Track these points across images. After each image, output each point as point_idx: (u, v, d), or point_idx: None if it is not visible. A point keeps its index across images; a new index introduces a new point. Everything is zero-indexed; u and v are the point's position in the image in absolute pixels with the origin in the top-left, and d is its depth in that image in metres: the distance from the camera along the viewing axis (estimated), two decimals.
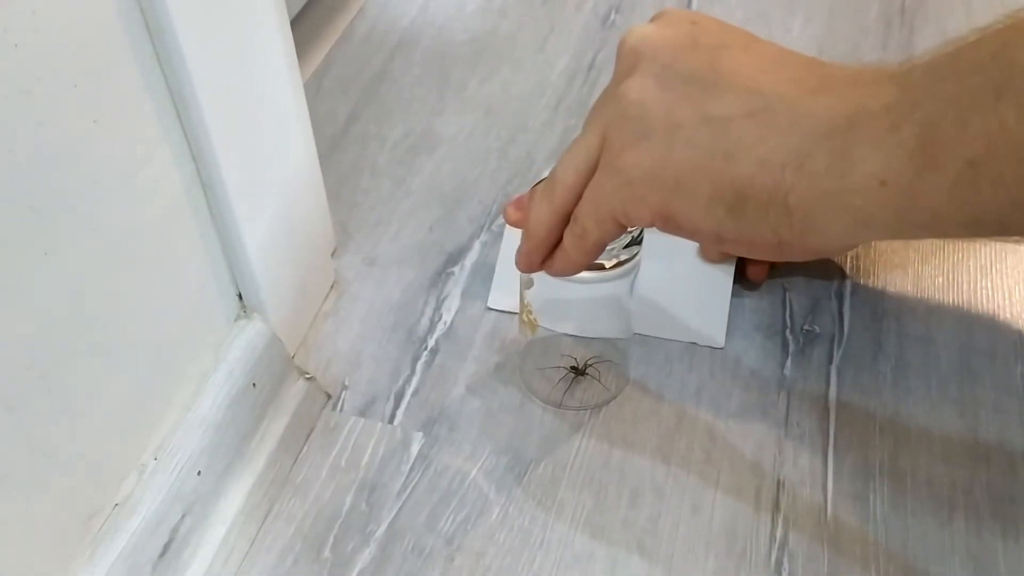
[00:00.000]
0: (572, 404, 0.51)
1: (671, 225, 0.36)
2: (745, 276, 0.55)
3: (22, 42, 0.30)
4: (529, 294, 0.48)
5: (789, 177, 0.32)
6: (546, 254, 0.41)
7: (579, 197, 0.39)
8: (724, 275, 0.56)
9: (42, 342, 0.34)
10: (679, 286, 0.55)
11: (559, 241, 0.41)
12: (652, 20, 0.39)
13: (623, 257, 0.44)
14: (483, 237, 0.60)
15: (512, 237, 0.56)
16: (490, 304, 0.56)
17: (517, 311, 0.51)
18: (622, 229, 0.39)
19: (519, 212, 0.42)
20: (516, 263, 0.44)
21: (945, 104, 0.29)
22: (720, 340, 0.53)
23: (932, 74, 0.30)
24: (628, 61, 0.36)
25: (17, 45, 0.30)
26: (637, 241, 0.44)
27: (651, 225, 0.37)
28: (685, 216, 0.35)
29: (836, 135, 0.31)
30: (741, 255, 0.54)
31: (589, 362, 0.51)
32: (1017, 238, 0.53)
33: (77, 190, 0.34)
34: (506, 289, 0.55)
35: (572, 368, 0.51)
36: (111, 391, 0.39)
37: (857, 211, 0.31)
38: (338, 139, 0.67)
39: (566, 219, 0.40)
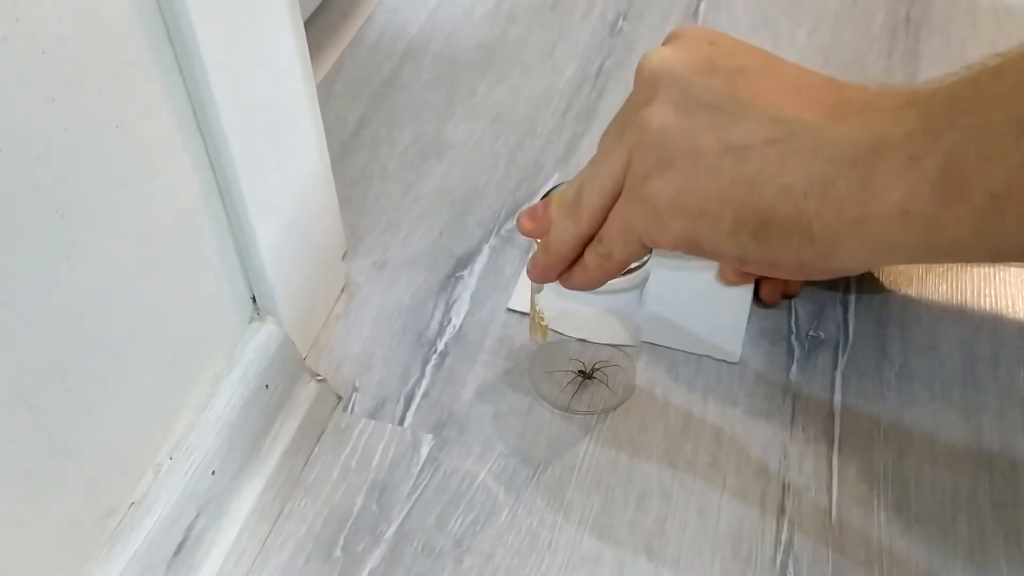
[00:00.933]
0: (580, 408, 0.52)
1: (695, 249, 0.37)
2: (758, 296, 0.56)
3: (49, 49, 0.31)
4: (540, 300, 0.49)
5: (812, 205, 0.32)
6: (564, 270, 0.42)
7: (603, 220, 0.39)
8: (743, 294, 0.56)
9: (63, 343, 0.35)
10: (699, 301, 0.56)
11: (578, 258, 0.41)
12: (668, 41, 0.39)
13: (634, 266, 0.45)
14: (492, 242, 0.61)
15: None
16: (511, 306, 0.56)
17: (525, 311, 0.52)
18: (646, 251, 0.40)
19: (533, 223, 0.42)
20: (528, 273, 0.44)
21: (967, 137, 0.29)
22: (736, 355, 0.54)
23: (953, 104, 0.30)
24: (648, 87, 0.36)
25: (44, 52, 0.31)
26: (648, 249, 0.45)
27: (676, 249, 0.38)
28: (709, 242, 0.35)
29: (858, 163, 0.32)
30: (762, 275, 0.55)
31: (596, 366, 0.52)
32: None
33: (100, 194, 0.35)
34: (528, 293, 0.56)
35: (580, 372, 0.52)
36: (128, 391, 0.39)
37: (880, 238, 0.31)
38: (348, 144, 0.68)
39: (589, 240, 0.40)
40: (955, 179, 0.29)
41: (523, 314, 0.56)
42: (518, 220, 0.43)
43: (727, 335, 0.55)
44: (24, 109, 0.31)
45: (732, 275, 0.56)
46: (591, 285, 0.42)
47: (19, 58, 0.30)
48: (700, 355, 0.54)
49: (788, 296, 0.57)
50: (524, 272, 0.57)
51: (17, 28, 0.30)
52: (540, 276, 0.43)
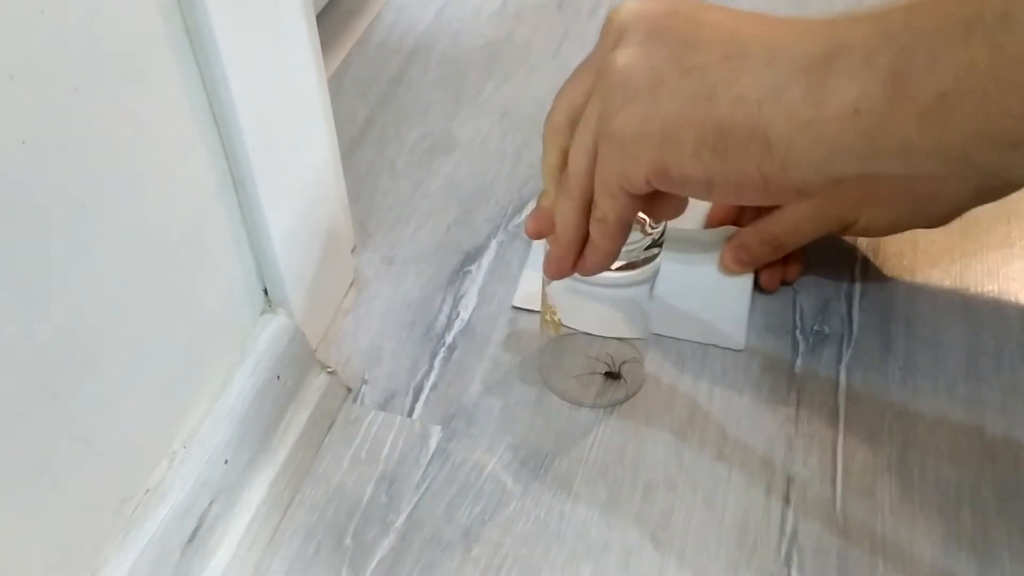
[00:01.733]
0: (588, 401, 0.52)
1: (665, 180, 0.37)
2: (758, 284, 0.57)
3: (72, 41, 0.32)
4: (552, 294, 0.49)
5: (767, 111, 0.33)
6: (577, 256, 0.42)
7: (592, 178, 0.39)
8: (744, 282, 0.57)
9: (84, 333, 0.35)
10: (701, 291, 0.57)
11: (586, 240, 0.42)
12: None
13: (643, 257, 0.46)
14: (500, 237, 0.62)
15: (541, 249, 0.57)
16: (515, 303, 0.57)
17: (540, 311, 0.52)
18: (634, 200, 0.40)
19: (537, 222, 0.43)
20: (545, 272, 0.44)
21: (918, 38, 0.30)
22: (740, 342, 0.55)
23: (909, 12, 0.31)
24: (615, 34, 0.37)
25: (67, 44, 0.31)
26: (658, 243, 0.46)
27: (648, 186, 0.38)
28: (676, 166, 0.36)
29: (813, 68, 0.32)
30: (731, 203, 0.56)
31: (622, 366, 0.52)
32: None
33: (122, 187, 0.36)
34: (532, 288, 0.56)
35: (607, 373, 0.52)
36: (145, 381, 0.40)
37: (833, 140, 0.32)
38: (357, 141, 0.68)
39: (589, 208, 0.41)
40: (904, 78, 0.30)
41: (528, 311, 0.57)
42: (524, 227, 0.44)
43: (731, 323, 0.55)
44: (49, 99, 0.31)
45: (733, 264, 0.57)
46: (603, 261, 0.42)
47: (44, 49, 0.31)
48: (706, 344, 0.55)
49: (786, 283, 0.58)
50: (527, 270, 0.58)
51: (42, 20, 0.30)
52: (557, 270, 0.44)
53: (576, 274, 0.44)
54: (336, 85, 0.73)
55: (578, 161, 0.39)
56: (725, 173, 0.36)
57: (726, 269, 0.57)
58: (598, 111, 0.37)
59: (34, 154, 0.31)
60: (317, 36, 0.48)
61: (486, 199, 0.64)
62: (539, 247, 0.58)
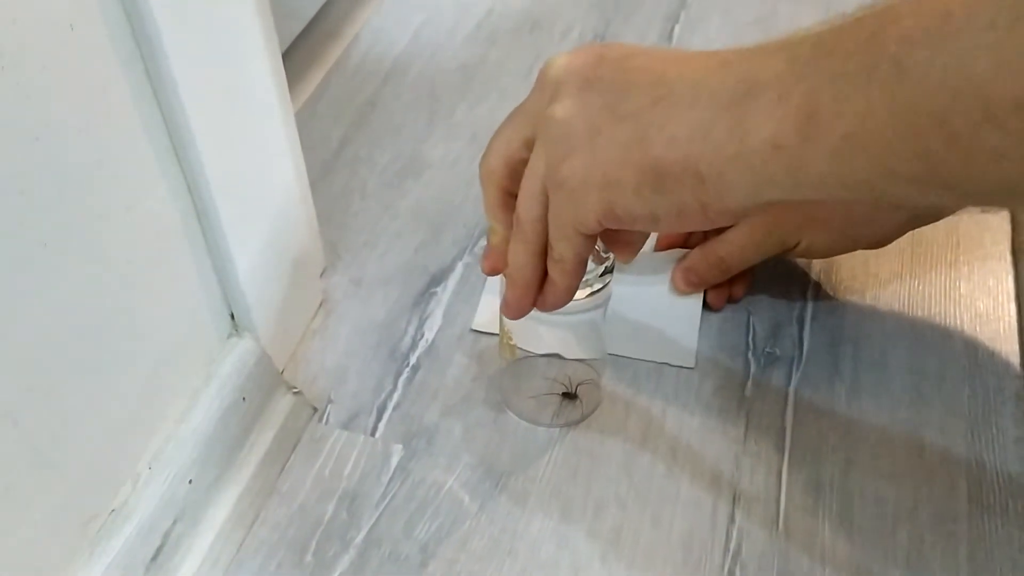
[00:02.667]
0: (545, 421, 0.54)
1: (614, 219, 0.39)
2: (706, 303, 0.59)
3: (33, 95, 0.34)
4: (508, 321, 0.51)
5: (696, 148, 0.35)
6: (535, 296, 0.44)
7: (545, 222, 0.42)
8: (693, 302, 0.59)
9: (47, 361, 0.37)
10: (653, 311, 0.59)
11: (542, 280, 0.44)
12: (568, 52, 0.42)
13: (597, 287, 0.48)
14: (466, 259, 0.63)
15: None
16: (474, 326, 0.59)
17: (498, 333, 0.54)
18: (589, 240, 0.42)
19: (491, 260, 0.45)
20: (504, 313, 0.46)
21: (825, 80, 0.32)
22: (691, 361, 0.57)
23: (817, 49, 0.33)
24: (550, 88, 0.40)
25: (29, 97, 0.33)
26: (609, 270, 0.48)
27: (600, 226, 0.40)
28: (620, 206, 0.38)
29: (733, 106, 0.35)
30: (677, 231, 0.59)
31: (578, 387, 0.54)
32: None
33: (82, 225, 0.37)
34: (491, 312, 0.58)
35: (564, 393, 0.54)
36: (110, 405, 0.42)
37: (758, 172, 0.35)
38: (330, 163, 0.70)
39: (545, 253, 0.43)
40: (813, 119, 0.32)
41: (489, 334, 0.58)
42: (481, 266, 0.46)
43: (682, 342, 0.58)
44: (9, 149, 0.33)
45: (683, 284, 0.59)
46: (563, 299, 0.44)
47: (5, 103, 0.32)
48: (660, 364, 0.57)
49: (732, 300, 0.60)
50: (485, 295, 0.60)
51: (3, 77, 0.32)
52: (516, 311, 0.45)
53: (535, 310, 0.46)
54: (312, 107, 0.75)
55: (530, 209, 0.41)
56: (666, 206, 0.38)
57: (676, 289, 0.59)
58: (543, 162, 0.40)
59: None
60: (281, 66, 0.50)
61: (454, 221, 0.66)
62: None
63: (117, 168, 0.39)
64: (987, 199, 0.32)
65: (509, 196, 0.43)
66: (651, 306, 0.59)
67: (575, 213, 0.40)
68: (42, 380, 0.37)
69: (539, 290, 0.44)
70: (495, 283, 0.59)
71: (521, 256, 0.43)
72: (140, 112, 0.40)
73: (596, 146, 0.38)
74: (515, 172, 0.42)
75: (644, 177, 0.37)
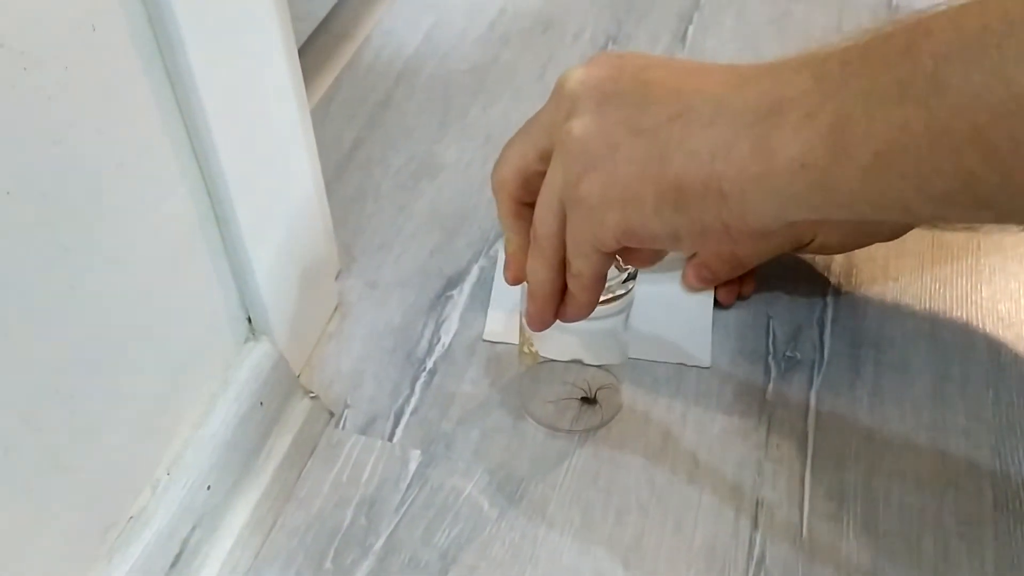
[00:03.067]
0: (564, 427, 0.53)
1: (633, 238, 0.39)
2: (716, 300, 0.59)
3: (55, 96, 0.33)
4: (528, 328, 0.50)
5: (718, 166, 0.35)
6: (555, 308, 0.44)
7: (563, 238, 0.41)
8: (705, 300, 0.59)
9: (67, 366, 0.37)
10: (665, 313, 0.58)
11: (562, 292, 0.43)
12: (586, 62, 0.41)
13: (619, 292, 0.47)
14: (481, 262, 0.63)
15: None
16: (485, 336, 0.58)
17: (512, 342, 0.54)
18: (607, 257, 0.42)
19: (512, 271, 0.45)
20: (528, 325, 0.46)
21: (855, 97, 0.31)
22: (706, 360, 0.56)
23: (845, 66, 0.32)
24: (567, 103, 0.39)
25: (50, 98, 0.33)
26: (632, 276, 0.47)
27: (619, 244, 0.40)
28: (640, 225, 0.38)
29: (757, 124, 0.34)
30: (700, 250, 0.58)
31: (598, 392, 0.54)
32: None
33: (102, 228, 0.37)
34: (501, 321, 0.58)
35: (583, 398, 0.54)
36: (128, 411, 0.42)
37: (784, 191, 0.34)
38: (344, 164, 0.70)
39: (563, 267, 0.42)
40: (844, 136, 0.31)
41: (499, 343, 0.58)
42: (504, 276, 0.46)
43: (696, 341, 0.57)
44: (32, 152, 0.33)
45: (695, 280, 0.59)
46: (584, 312, 0.44)
47: (27, 105, 0.32)
48: (676, 366, 0.56)
49: (742, 297, 0.60)
50: (493, 302, 0.59)
51: (25, 77, 0.32)
52: (538, 324, 0.45)
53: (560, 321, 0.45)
54: (324, 109, 0.74)
55: (547, 224, 0.41)
56: (688, 226, 0.37)
57: (688, 286, 0.59)
58: (560, 178, 0.39)
59: (17, 204, 0.32)
60: (298, 68, 0.50)
61: (469, 224, 0.65)
62: (501, 280, 0.59)
63: (137, 170, 0.38)
64: None
65: (522, 206, 0.43)
66: (662, 305, 0.59)
67: (593, 231, 0.39)
68: (61, 385, 0.37)
69: (560, 302, 0.44)
70: (502, 292, 0.59)
71: (540, 271, 0.43)
72: (160, 114, 0.39)
73: (615, 163, 0.37)
74: (528, 183, 0.42)
75: (664, 195, 0.36)
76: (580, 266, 0.41)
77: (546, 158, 0.40)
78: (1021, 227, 0.61)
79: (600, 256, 0.41)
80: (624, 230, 0.38)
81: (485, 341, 0.58)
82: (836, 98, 0.32)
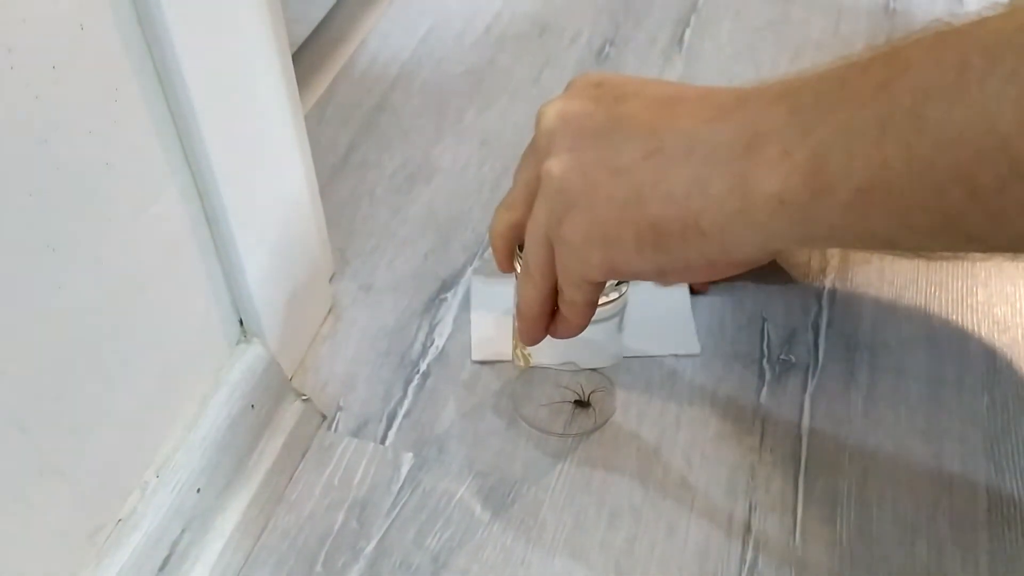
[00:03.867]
0: (557, 430, 0.53)
1: (619, 274, 0.39)
2: (691, 287, 0.60)
3: (42, 94, 0.33)
4: None
5: (695, 204, 0.34)
6: (546, 327, 0.44)
7: (553, 267, 0.41)
8: (681, 292, 0.59)
9: (56, 367, 0.37)
10: (643, 308, 0.58)
11: (554, 312, 0.44)
12: (565, 90, 0.41)
13: (613, 296, 0.47)
14: (476, 264, 0.63)
15: (480, 290, 0.59)
16: (474, 358, 0.57)
17: (501, 358, 0.54)
18: (598, 287, 0.42)
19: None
20: (519, 338, 0.46)
21: (834, 134, 0.31)
22: (696, 347, 0.57)
23: (821, 100, 0.32)
24: (545, 140, 0.39)
25: (38, 97, 0.33)
26: (625, 281, 0.47)
27: (606, 279, 0.40)
28: (624, 264, 0.38)
29: (733, 160, 0.33)
30: (692, 281, 0.58)
31: (591, 395, 0.53)
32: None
33: (90, 229, 0.37)
34: (485, 339, 0.57)
35: (576, 401, 0.54)
36: (118, 412, 0.41)
37: (764, 226, 0.33)
38: (339, 167, 0.70)
39: (554, 292, 0.43)
40: (823, 173, 0.31)
41: (490, 363, 0.57)
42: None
43: (682, 330, 0.58)
44: (18, 151, 0.32)
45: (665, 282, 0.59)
46: (575, 332, 0.45)
47: (14, 103, 0.32)
48: (666, 356, 0.56)
49: (714, 282, 0.60)
50: (474, 316, 0.58)
51: (12, 75, 0.31)
52: (529, 341, 0.46)
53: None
54: (320, 112, 0.74)
55: (536, 256, 0.41)
56: (671, 263, 0.37)
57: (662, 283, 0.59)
58: (544, 217, 0.39)
59: (2, 202, 0.32)
60: (292, 70, 0.50)
61: (463, 227, 0.65)
62: (479, 291, 0.59)
63: (127, 171, 0.38)
64: (1015, 249, 0.31)
65: (519, 250, 0.44)
66: (638, 301, 0.58)
67: (580, 267, 0.40)
68: (49, 386, 0.37)
69: (551, 319, 0.45)
70: (480, 310, 0.59)
71: (531, 297, 0.43)
72: (150, 114, 0.39)
73: (594, 203, 0.37)
74: (520, 225, 0.43)
75: (643, 236, 0.36)
76: (572, 295, 0.42)
77: (531, 194, 0.41)
78: (1009, 258, 0.60)
79: (591, 286, 0.41)
80: (609, 267, 0.39)
81: (475, 363, 0.57)
82: (813, 134, 0.31)
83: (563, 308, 0.43)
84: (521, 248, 0.44)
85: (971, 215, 0.28)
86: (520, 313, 0.45)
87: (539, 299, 0.43)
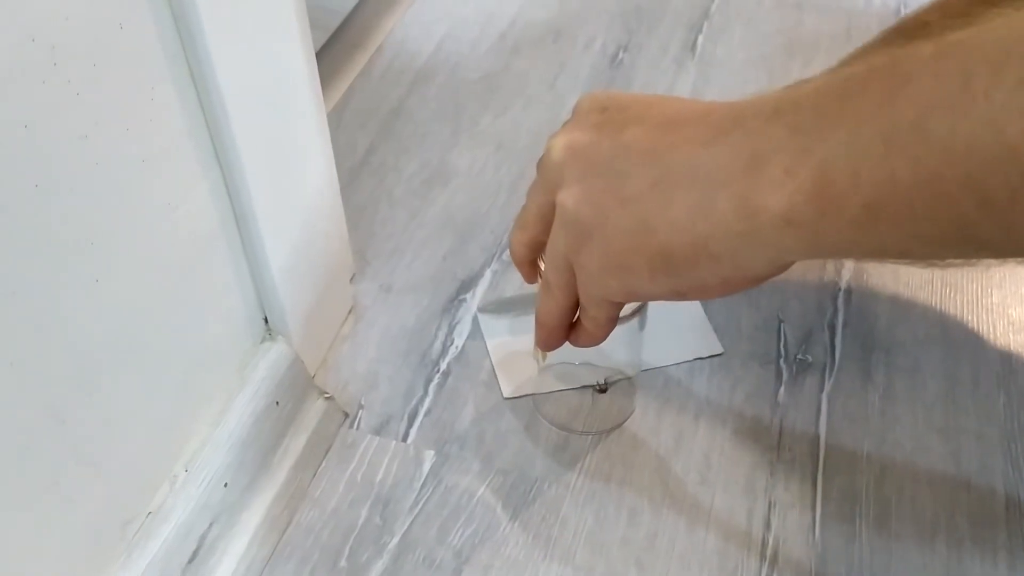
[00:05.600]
0: (578, 428, 0.54)
1: (637, 298, 0.41)
2: None
3: (83, 91, 0.34)
4: None
5: (701, 228, 0.34)
6: (565, 336, 0.45)
7: (574, 286, 0.42)
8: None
9: (91, 361, 0.37)
10: (662, 319, 0.58)
11: (574, 322, 0.45)
12: (571, 116, 0.42)
13: (635, 306, 0.48)
14: (494, 266, 0.63)
15: (489, 325, 0.59)
16: (507, 395, 0.56)
17: (535, 391, 0.55)
18: (618, 305, 0.43)
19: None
20: (538, 345, 0.47)
21: (837, 152, 0.30)
22: (718, 347, 0.57)
23: (821, 116, 0.31)
24: (556, 173, 0.40)
25: (79, 94, 0.34)
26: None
27: (626, 301, 0.42)
28: (640, 290, 0.39)
29: (734, 181, 0.33)
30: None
31: (609, 379, 0.54)
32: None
33: (127, 225, 0.38)
34: (513, 374, 0.57)
35: (597, 386, 0.54)
36: (149, 407, 0.42)
37: (774, 245, 0.33)
38: (357, 171, 0.70)
39: (574, 307, 0.44)
40: (829, 193, 0.31)
41: (525, 397, 0.56)
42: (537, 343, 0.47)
43: (700, 334, 0.58)
44: (60, 146, 0.33)
45: None
46: (596, 343, 0.45)
47: (56, 100, 0.33)
48: (692, 364, 0.57)
49: None
50: (495, 362, 0.58)
51: (55, 72, 0.32)
52: (547, 347, 0.46)
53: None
54: (338, 116, 0.75)
55: (557, 276, 0.42)
56: (687, 285, 0.38)
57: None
58: (562, 245, 0.40)
59: (46, 196, 0.33)
60: (316, 72, 0.50)
61: (481, 229, 0.66)
62: (489, 327, 0.59)
63: (161, 167, 0.39)
64: None
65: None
66: (653, 310, 0.59)
67: (602, 291, 0.41)
68: (86, 379, 0.37)
69: (571, 329, 0.45)
70: (500, 350, 0.58)
71: (551, 310, 0.44)
72: (184, 112, 0.40)
73: (606, 233, 0.38)
74: (540, 249, 0.44)
75: (655, 263, 0.37)
76: (595, 312, 0.43)
77: (544, 218, 0.42)
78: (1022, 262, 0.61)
79: (612, 305, 0.42)
80: (627, 292, 0.40)
81: (507, 399, 0.56)
82: (816, 152, 0.31)
83: (585, 322, 0.44)
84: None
85: (983, 225, 0.28)
86: (540, 323, 0.45)
87: (559, 312, 0.44)
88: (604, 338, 0.45)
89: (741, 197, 0.33)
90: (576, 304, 0.43)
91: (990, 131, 0.26)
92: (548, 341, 0.46)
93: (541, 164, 0.41)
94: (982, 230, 0.29)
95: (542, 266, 0.46)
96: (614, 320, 0.44)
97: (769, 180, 0.32)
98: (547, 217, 0.42)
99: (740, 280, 0.36)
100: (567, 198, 0.39)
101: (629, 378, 0.55)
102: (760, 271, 0.36)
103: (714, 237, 0.34)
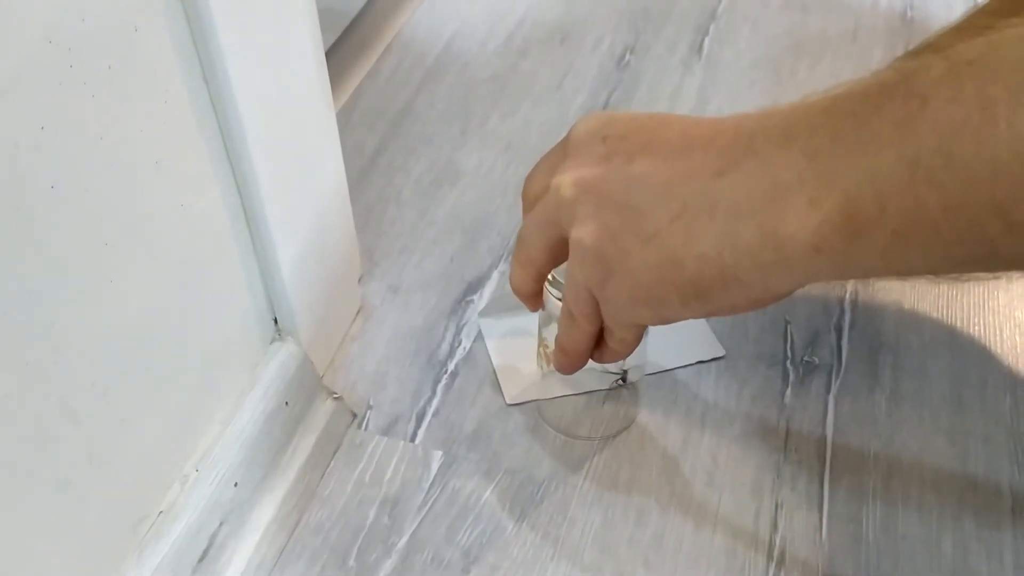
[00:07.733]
0: (582, 434, 0.54)
1: (670, 322, 0.40)
2: None
3: (98, 93, 0.34)
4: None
5: (729, 258, 0.35)
6: (587, 360, 0.46)
7: (599, 314, 0.42)
8: None
9: (105, 360, 0.38)
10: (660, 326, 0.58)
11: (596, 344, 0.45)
12: (567, 146, 0.41)
13: None
14: (502, 267, 0.64)
15: (491, 329, 0.59)
16: (509, 401, 0.56)
17: (537, 397, 0.55)
18: (645, 326, 0.44)
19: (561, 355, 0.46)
20: (557, 369, 0.47)
21: (861, 179, 0.30)
22: (720, 350, 0.58)
23: (839, 141, 0.31)
24: (567, 210, 0.39)
25: (94, 96, 0.34)
26: None
27: (659, 324, 0.41)
28: (673, 316, 0.39)
29: (756, 212, 0.33)
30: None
31: (627, 370, 0.54)
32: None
33: (141, 224, 0.38)
34: (515, 381, 0.57)
35: (618, 378, 0.54)
36: (161, 406, 0.42)
37: (802, 271, 0.34)
38: (366, 171, 0.71)
39: (600, 331, 0.44)
40: (857, 221, 0.31)
41: (528, 403, 0.56)
42: (556, 365, 0.47)
43: (700, 337, 0.58)
44: (76, 148, 0.33)
45: None
46: (622, 358, 0.46)
47: (72, 102, 0.33)
48: (695, 368, 0.57)
49: None
50: (497, 368, 0.58)
51: (71, 74, 0.32)
52: (570, 371, 0.46)
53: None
54: (346, 116, 0.75)
55: (580, 306, 0.42)
56: (718, 308, 0.38)
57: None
58: (583, 280, 0.40)
59: (62, 196, 0.33)
60: (326, 72, 0.51)
61: (489, 229, 0.66)
62: (491, 330, 0.59)
63: (174, 168, 0.39)
64: None
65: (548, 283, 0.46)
66: None
67: (631, 318, 0.41)
68: (100, 378, 0.38)
69: (590, 354, 0.46)
70: (501, 355, 0.58)
71: (577, 338, 0.44)
72: (196, 113, 0.40)
73: (630, 269, 0.38)
74: (543, 276, 0.45)
75: (686, 292, 0.37)
76: (623, 335, 0.43)
77: (555, 250, 0.42)
78: None
79: (641, 327, 0.43)
80: (660, 320, 0.40)
81: (512, 406, 0.56)
82: (839, 181, 0.31)
83: (612, 343, 0.44)
84: (550, 280, 0.46)
85: (1011, 246, 0.29)
86: (563, 350, 0.45)
87: (585, 340, 0.44)
88: (630, 354, 0.45)
89: (767, 228, 0.33)
90: (601, 330, 0.44)
91: (1015, 157, 0.27)
92: (572, 367, 0.46)
93: (549, 197, 0.41)
94: (1010, 250, 0.29)
95: (547, 294, 0.46)
96: (640, 337, 0.44)
97: (794, 211, 0.32)
98: (557, 253, 0.42)
99: (771, 298, 0.37)
100: (584, 235, 0.39)
101: (634, 382, 0.55)
102: (788, 290, 0.36)
103: (742, 267, 0.34)
